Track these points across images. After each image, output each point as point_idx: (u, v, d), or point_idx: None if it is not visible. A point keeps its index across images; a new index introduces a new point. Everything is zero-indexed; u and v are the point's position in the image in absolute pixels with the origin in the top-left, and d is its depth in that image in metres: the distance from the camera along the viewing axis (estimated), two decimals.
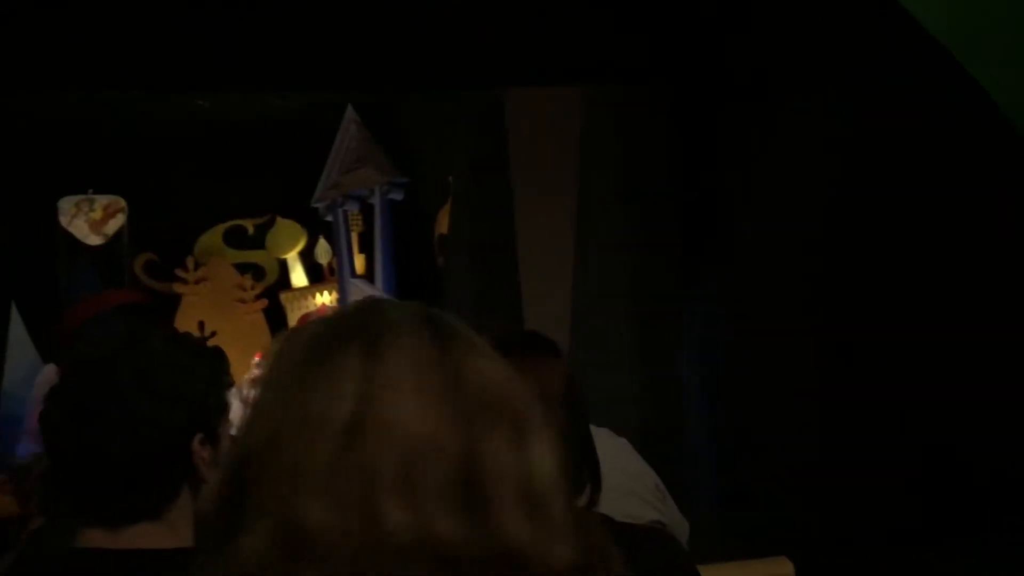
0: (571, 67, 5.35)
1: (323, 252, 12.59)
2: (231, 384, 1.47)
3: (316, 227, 12.53)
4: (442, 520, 0.78)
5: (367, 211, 10.34)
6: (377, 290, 8.96)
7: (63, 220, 12.52)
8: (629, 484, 2.19)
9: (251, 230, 13.81)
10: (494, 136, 7.01)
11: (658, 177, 6.11)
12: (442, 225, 10.16)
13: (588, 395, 5.82)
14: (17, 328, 13.11)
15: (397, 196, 9.41)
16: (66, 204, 12.60)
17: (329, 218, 9.99)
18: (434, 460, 0.80)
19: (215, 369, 1.45)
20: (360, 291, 8.89)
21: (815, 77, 5.26)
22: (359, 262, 11.05)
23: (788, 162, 5.45)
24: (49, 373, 11.81)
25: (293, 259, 13.56)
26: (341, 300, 9.98)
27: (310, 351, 0.88)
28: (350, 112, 9.46)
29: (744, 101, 5.67)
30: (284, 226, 13.52)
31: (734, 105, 5.74)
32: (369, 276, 10.47)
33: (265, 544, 0.77)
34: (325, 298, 12.57)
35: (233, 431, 1.00)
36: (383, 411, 0.81)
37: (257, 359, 10.53)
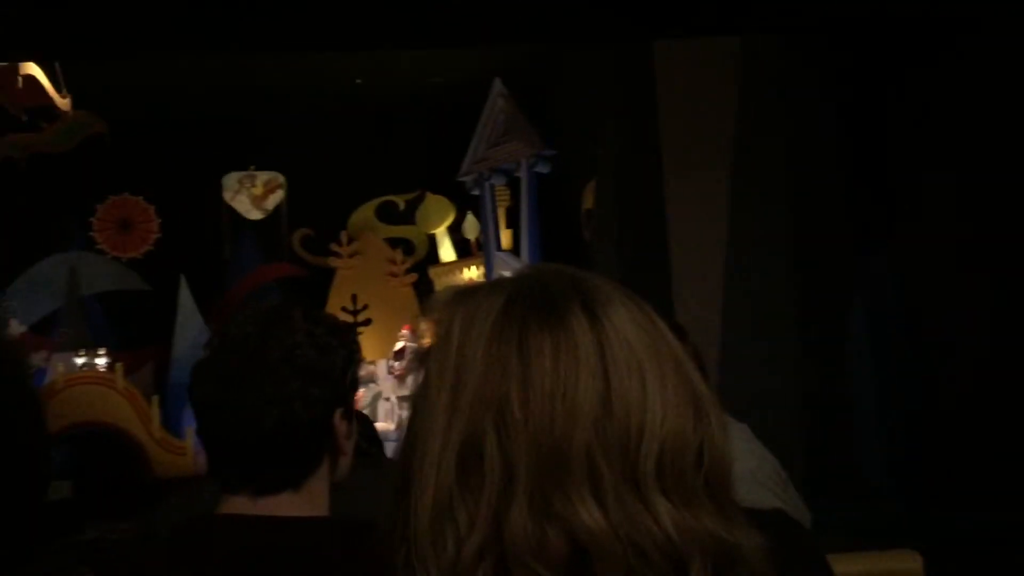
0: (727, 14, 4.99)
1: (471, 227, 12.64)
2: (361, 359, 1.48)
3: (465, 202, 12.60)
4: (705, 515, 0.77)
5: (514, 185, 10.28)
6: (522, 264, 8.89)
7: (227, 196, 13.13)
8: (750, 470, 2.17)
9: (402, 205, 14.11)
10: (643, 107, 6.73)
11: (822, 140, 5.72)
12: (589, 199, 9.99)
13: (745, 375, 5.59)
14: (185, 299, 13.90)
15: (544, 169, 9.24)
16: (230, 180, 13.21)
17: (476, 192, 9.96)
18: (683, 450, 0.78)
19: (350, 345, 1.44)
20: (505, 264, 8.82)
21: (993, 20, 4.73)
22: (505, 237, 11.02)
23: (965, 112, 4.96)
24: None
25: (442, 234, 13.72)
26: (487, 274, 9.97)
27: (506, 323, 0.82)
28: (497, 85, 9.38)
29: (917, 48, 5.19)
30: (433, 201, 13.69)
31: (905, 53, 5.28)
32: (515, 251, 10.42)
33: (536, 533, 0.75)
34: (472, 272, 12.63)
35: (415, 410, 0.87)
36: (626, 392, 0.78)
37: (405, 331, 10.72)
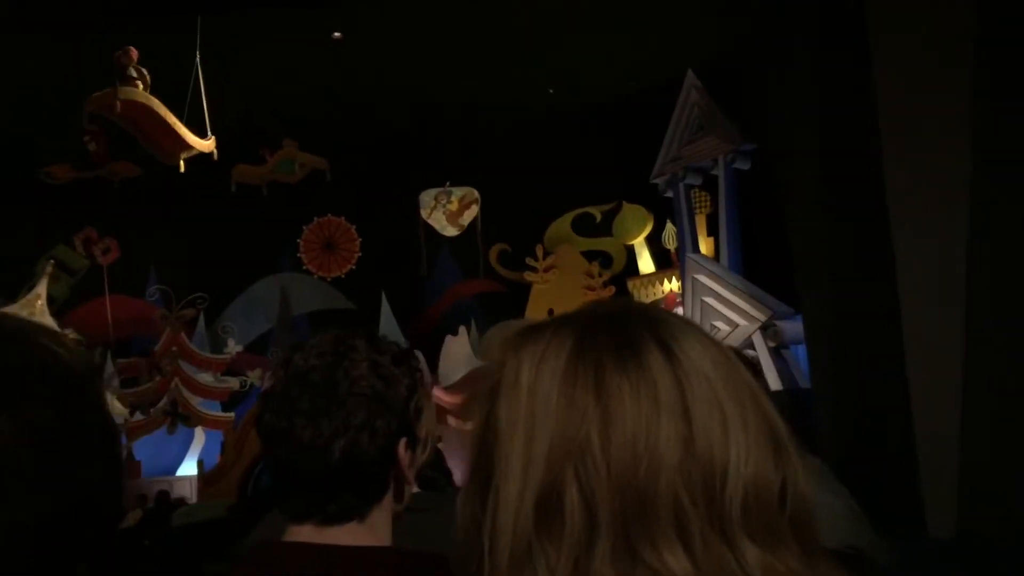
0: None
1: (671, 237, 12.07)
2: (423, 388, 1.47)
3: (664, 211, 12.07)
4: (791, 558, 0.76)
5: (714, 189, 9.53)
6: (721, 267, 8.13)
7: (423, 213, 13.24)
8: (826, 505, 2.02)
9: (598, 217, 13.91)
10: (858, 95, 5.86)
11: None
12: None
13: (991, 397, 4.69)
14: (386, 316, 14.22)
15: (743, 165, 8.40)
16: (426, 197, 13.32)
17: (669, 194, 9.25)
18: (766, 490, 0.76)
19: (413, 374, 1.43)
20: (699, 268, 8.05)
21: None
22: (706, 245, 10.32)
23: None
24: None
25: (640, 245, 13.27)
26: (681, 278, 9.24)
27: (580, 362, 0.78)
28: (690, 77, 8.65)
29: None
30: (631, 211, 13.30)
31: None
32: (716, 260, 9.69)
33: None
34: (673, 284, 12.02)
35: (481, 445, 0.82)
36: (708, 433, 0.75)
37: None
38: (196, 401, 12.34)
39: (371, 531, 1.35)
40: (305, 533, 1.34)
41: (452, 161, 12.91)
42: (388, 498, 1.38)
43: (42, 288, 10.17)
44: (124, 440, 12.36)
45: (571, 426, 0.75)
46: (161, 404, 12.27)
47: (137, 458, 12.37)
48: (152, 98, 8.31)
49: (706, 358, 0.79)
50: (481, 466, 0.81)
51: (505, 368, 0.81)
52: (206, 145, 8.93)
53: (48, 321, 9.88)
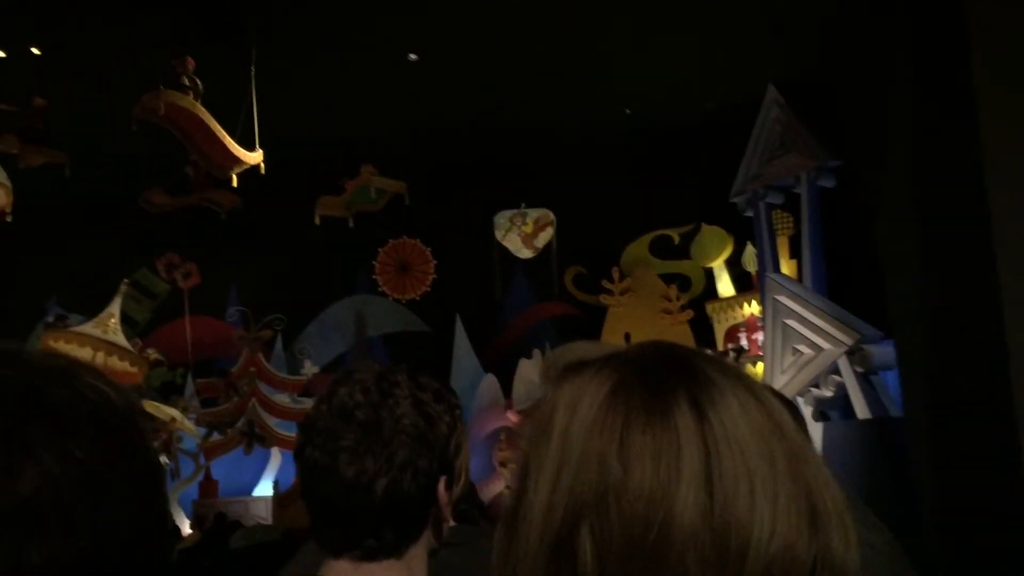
0: None
1: (751, 259, 11.74)
2: (462, 424, 1.49)
3: (744, 233, 11.76)
4: None
5: (793, 206, 9.13)
6: (804, 288, 7.76)
7: (498, 234, 13.15)
8: (863, 543, 1.65)
9: (676, 239, 13.66)
10: (957, 106, 5.54)
11: None
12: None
13: None
14: (461, 339, 14.16)
15: (828, 182, 8.01)
16: (501, 219, 13.24)
17: (749, 213, 8.91)
18: (793, 568, 0.73)
19: (453, 411, 1.45)
20: (780, 288, 7.67)
21: None
22: (788, 268, 9.94)
23: None
24: (489, 383, 12.43)
25: (719, 267, 12.96)
26: (762, 300, 8.87)
27: (609, 416, 0.77)
28: (771, 93, 8.34)
29: None
30: (710, 233, 13.02)
31: None
32: (798, 278, 9.30)
33: None
34: (754, 308, 11.68)
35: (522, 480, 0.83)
36: (730, 505, 0.73)
37: None
38: (273, 422, 12.42)
39: (408, 568, 1.36)
40: (342, 568, 1.35)
41: (527, 182, 12.80)
42: (426, 535, 1.40)
43: (115, 307, 10.37)
44: (203, 460, 12.51)
45: (591, 480, 0.75)
46: (239, 424, 12.38)
47: (215, 477, 12.50)
48: (199, 107, 8.49)
49: (743, 423, 0.76)
50: (511, 501, 0.82)
51: (544, 403, 0.82)
52: (253, 158, 9.04)
53: (120, 340, 10.07)
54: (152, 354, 13.12)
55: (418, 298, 14.03)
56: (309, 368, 13.51)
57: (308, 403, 13.12)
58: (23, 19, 9.00)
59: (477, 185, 12.64)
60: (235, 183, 9.21)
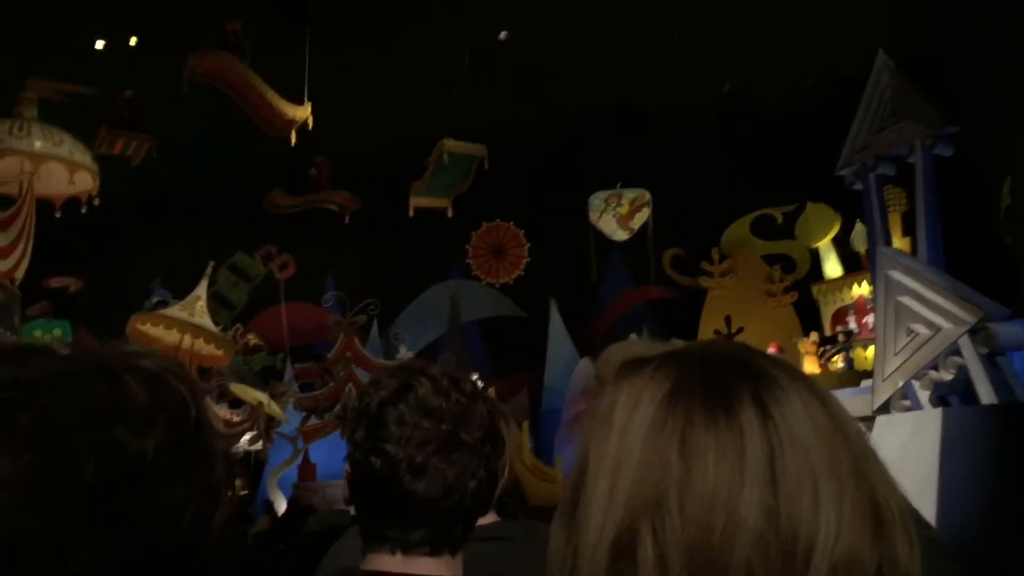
0: None
1: (860, 238, 11.16)
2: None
3: (852, 211, 11.21)
4: None
5: (906, 180, 8.49)
6: (920, 262, 7.17)
7: (592, 216, 12.85)
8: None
9: (780, 218, 13.15)
10: None
11: None
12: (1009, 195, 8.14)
13: None
14: (556, 324, 13.95)
15: (945, 151, 7.39)
16: (596, 200, 12.93)
17: (858, 186, 8.37)
18: (857, 572, 0.71)
19: (492, 413, 1.43)
20: (893, 263, 7.12)
21: None
22: (902, 247, 9.35)
23: None
24: (585, 367, 12.20)
25: (826, 247, 12.41)
26: (872, 277, 8.30)
27: (670, 414, 0.76)
28: (882, 59, 7.75)
29: None
30: (815, 212, 12.49)
31: None
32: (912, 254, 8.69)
33: None
34: (864, 289, 11.11)
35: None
36: (795, 507, 0.71)
37: (772, 350, 9.59)
38: None
39: (450, 566, 1.39)
40: (389, 563, 1.37)
41: (623, 162, 12.48)
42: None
43: (202, 290, 10.54)
44: (301, 443, 12.64)
45: (652, 479, 0.74)
46: (336, 409, 12.48)
47: (313, 461, 12.63)
48: (240, 65, 8.87)
49: (806, 422, 0.75)
50: (569, 497, 0.81)
51: (603, 401, 0.81)
52: (302, 111, 9.35)
53: (207, 322, 10.23)
54: (252, 340, 13.38)
55: (512, 282, 13.90)
56: (404, 353, 13.55)
57: None
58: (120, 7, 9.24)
59: (572, 166, 12.39)
60: (293, 140, 9.46)
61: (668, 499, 0.73)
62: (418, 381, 1.39)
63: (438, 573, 1.36)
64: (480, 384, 1.47)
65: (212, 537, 0.75)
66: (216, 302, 13.11)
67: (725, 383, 0.77)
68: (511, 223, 13.85)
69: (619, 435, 0.77)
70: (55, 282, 13.30)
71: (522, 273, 13.76)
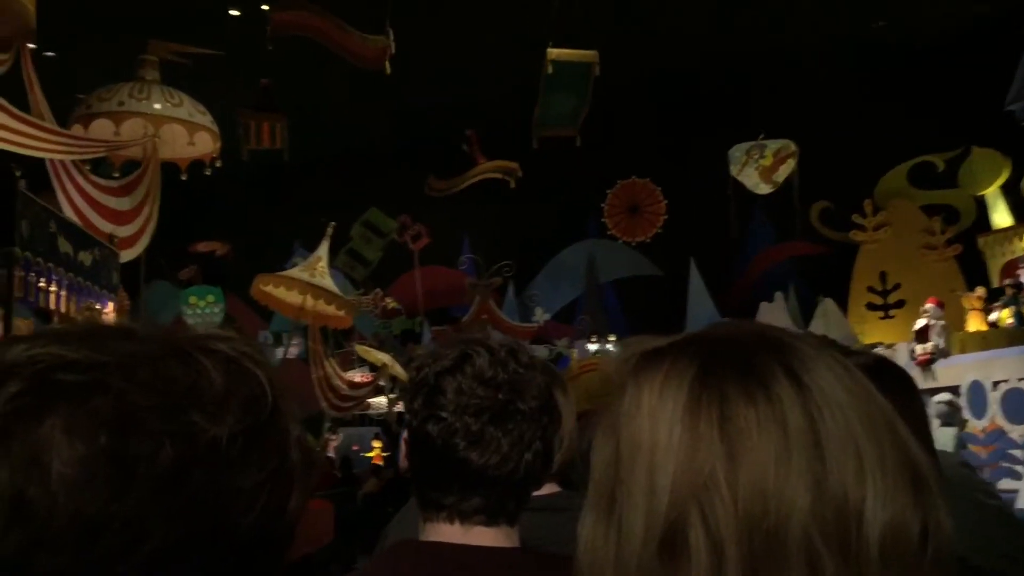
0: None
1: None
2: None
3: (1023, 155, 10.30)
4: None
5: None
6: None
7: (733, 170, 12.25)
8: (976, 508, 1.93)
9: (941, 166, 12.22)
10: None
11: None
12: None
13: None
14: (696, 283, 13.50)
15: None
16: (737, 152, 12.33)
17: None
18: (905, 533, 0.70)
19: (549, 384, 1.43)
20: None
21: None
22: None
23: None
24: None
25: (994, 195, 11.47)
26: None
27: (704, 393, 0.74)
28: None
29: None
30: (982, 157, 11.53)
31: None
32: None
33: None
34: None
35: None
36: (843, 472, 0.70)
37: (929, 305, 8.86)
38: None
39: (507, 535, 1.42)
40: (448, 533, 1.40)
41: (765, 111, 11.86)
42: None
43: (323, 251, 10.65)
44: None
45: (696, 460, 0.72)
46: None
47: None
48: (317, 8, 9.31)
49: (840, 388, 0.74)
50: (603, 487, 0.78)
51: (625, 395, 0.78)
52: (383, 41, 9.60)
53: (328, 283, 10.35)
54: (391, 303, 13.57)
55: (649, 240, 13.55)
56: (540, 315, 13.44)
57: (540, 350, 13.10)
58: None
59: (710, 117, 11.87)
60: (388, 70, 9.65)
61: (716, 480, 0.71)
62: (476, 352, 1.39)
63: (496, 543, 1.39)
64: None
65: (286, 522, 0.76)
66: (351, 258, 13.35)
67: (753, 357, 0.75)
68: (648, 179, 13.45)
69: (651, 418, 0.75)
70: (202, 246, 13.87)
71: (660, 230, 13.39)
